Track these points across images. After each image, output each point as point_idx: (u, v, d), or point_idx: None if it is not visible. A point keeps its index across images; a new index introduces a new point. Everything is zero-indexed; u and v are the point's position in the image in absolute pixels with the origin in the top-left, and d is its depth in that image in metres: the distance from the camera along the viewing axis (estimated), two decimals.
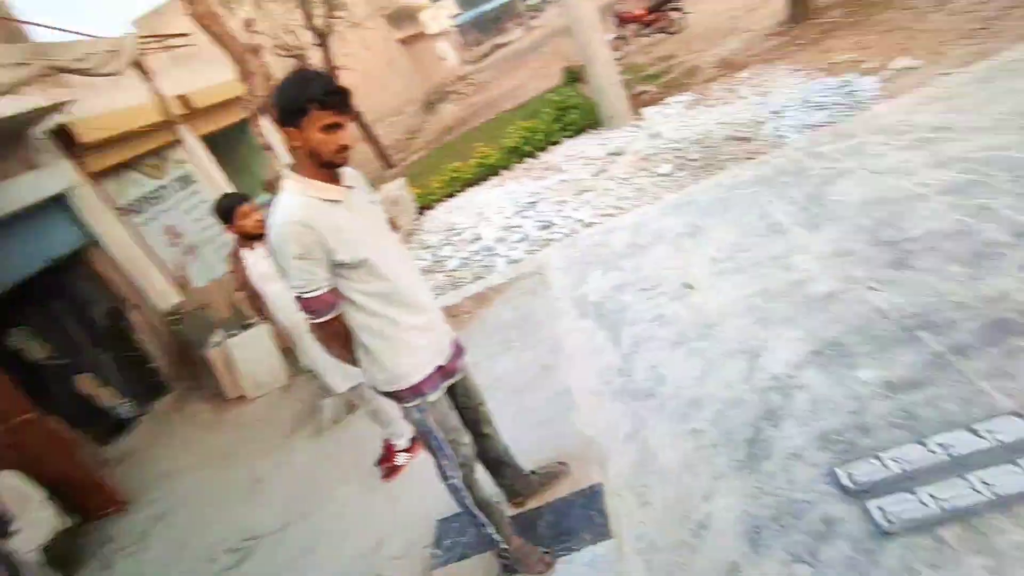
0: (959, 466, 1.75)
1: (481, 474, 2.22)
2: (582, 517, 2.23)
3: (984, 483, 1.68)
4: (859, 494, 1.83)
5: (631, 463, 2.36)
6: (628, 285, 3.56)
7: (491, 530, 2.08)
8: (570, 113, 6.96)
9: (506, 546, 2.09)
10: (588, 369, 3.02)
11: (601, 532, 2.14)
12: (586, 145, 6.27)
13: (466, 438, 2.06)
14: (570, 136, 6.75)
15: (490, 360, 3.52)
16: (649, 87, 7.24)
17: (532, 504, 2.40)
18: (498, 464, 2.36)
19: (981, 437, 1.79)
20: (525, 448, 2.53)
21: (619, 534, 2.11)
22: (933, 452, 1.82)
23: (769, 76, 5.67)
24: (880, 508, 1.75)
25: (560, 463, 2.50)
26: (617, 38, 10.24)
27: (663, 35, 10.00)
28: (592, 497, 2.29)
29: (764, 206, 3.60)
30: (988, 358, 2.04)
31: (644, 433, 2.47)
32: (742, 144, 4.57)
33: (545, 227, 4.94)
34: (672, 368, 2.74)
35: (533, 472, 2.45)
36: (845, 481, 1.87)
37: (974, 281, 2.36)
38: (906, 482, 1.78)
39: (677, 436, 2.38)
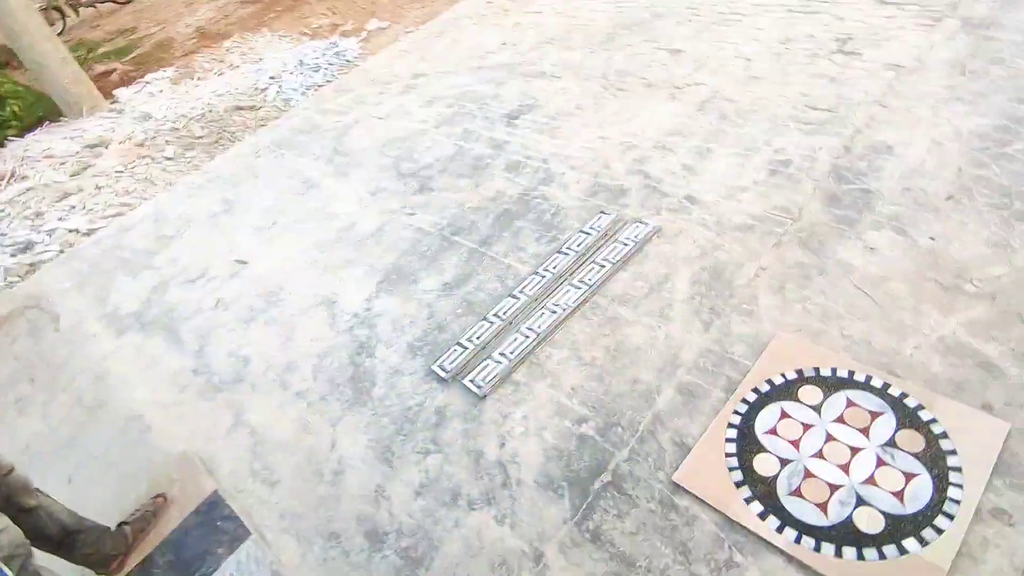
0: (512, 325, 2.18)
1: (45, 559, 1.65)
2: (208, 533, 1.91)
3: (530, 329, 2.13)
4: (454, 378, 2.09)
5: (244, 453, 2.13)
6: (170, 281, 3.09)
7: None
8: (6, 106, 5.42)
9: None
10: (153, 384, 2.53)
11: (237, 536, 1.88)
12: (49, 142, 5.03)
13: None
14: (17, 135, 5.28)
15: (6, 430, 2.59)
16: (114, 65, 6.23)
17: (137, 558, 1.92)
18: (66, 536, 1.79)
19: (518, 298, 2.26)
20: (105, 502, 2.00)
21: (258, 526, 1.90)
22: (492, 323, 2.21)
23: (256, 44, 5.61)
24: (472, 381, 2.04)
25: (155, 496, 2.06)
26: (49, 8, 8.36)
27: (112, 4, 8.68)
28: (211, 508, 1.98)
29: (291, 166, 3.60)
30: (504, 242, 2.57)
31: (247, 418, 2.24)
32: (250, 112, 4.43)
33: (22, 250, 3.83)
34: (253, 345, 2.54)
35: (123, 523, 1.96)
36: (441, 373, 2.11)
37: (477, 188, 2.91)
38: (483, 352, 2.12)
39: (283, 406, 2.24)
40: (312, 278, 2.75)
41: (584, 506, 1.65)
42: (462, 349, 2.15)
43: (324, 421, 2.14)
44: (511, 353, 2.08)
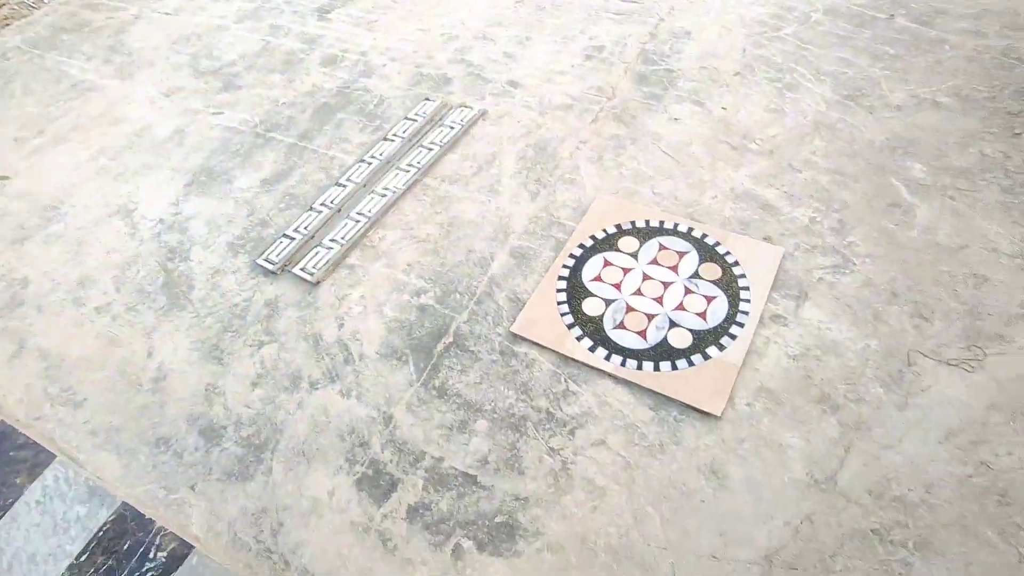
0: (341, 212, 2.08)
1: None
2: None
3: (359, 214, 2.05)
4: (283, 269, 1.97)
5: (35, 380, 1.84)
6: None
7: None
8: None
9: None
10: None
11: (38, 462, 1.64)
12: None
13: None
14: None
15: None
16: None
17: None
18: None
19: (345, 186, 2.16)
20: None
21: (64, 449, 1.67)
22: (320, 212, 2.09)
23: None
24: (302, 269, 1.94)
25: None
26: None
27: None
28: None
29: (56, 70, 3.03)
30: (326, 135, 2.41)
31: (35, 343, 1.93)
32: None
33: None
34: (30, 266, 2.17)
35: None
36: (268, 266, 1.97)
37: (292, 83, 2.68)
38: (312, 241, 2.01)
39: (80, 323, 1.96)
40: (102, 187, 2.38)
41: (429, 368, 1.67)
42: (289, 240, 2.02)
43: (136, 332, 1.91)
44: (342, 238, 1.99)
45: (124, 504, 1.54)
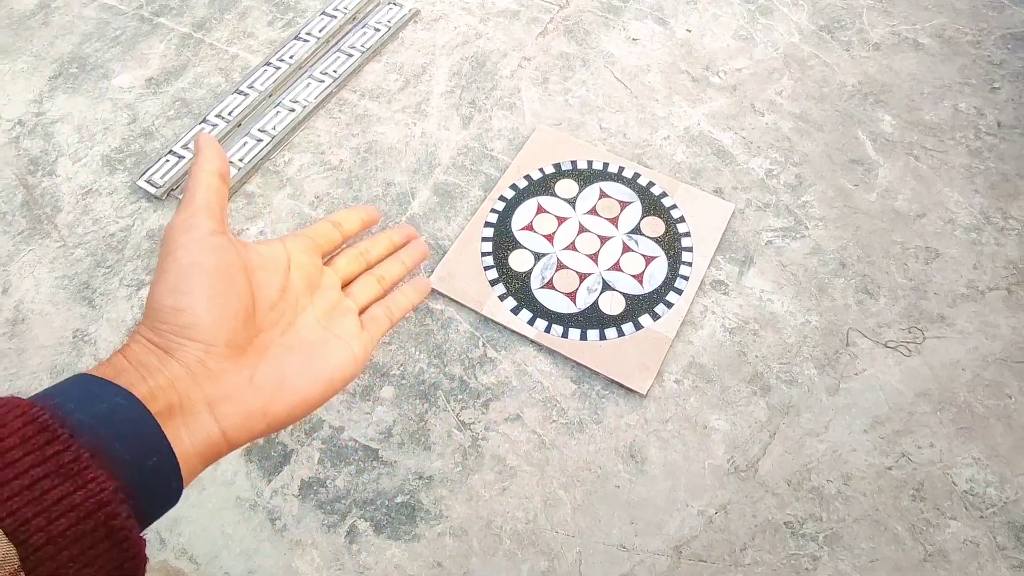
0: (238, 127, 1.78)
1: None
2: None
3: (262, 131, 1.76)
4: (169, 194, 1.69)
5: None
6: None
7: None
8: None
9: None
10: None
11: None
12: None
13: None
14: None
15: None
16: None
17: None
18: None
19: (246, 94, 1.84)
20: None
21: None
22: (215, 125, 1.78)
23: None
24: None
25: None
26: None
27: None
28: None
29: None
30: (227, 26, 2.03)
31: None
32: None
33: None
34: None
35: None
36: (150, 189, 1.69)
37: None
38: None
39: None
40: None
41: None
42: (177, 159, 1.73)
43: None
44: (240, 160, 1.71)
45: None
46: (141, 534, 0.29)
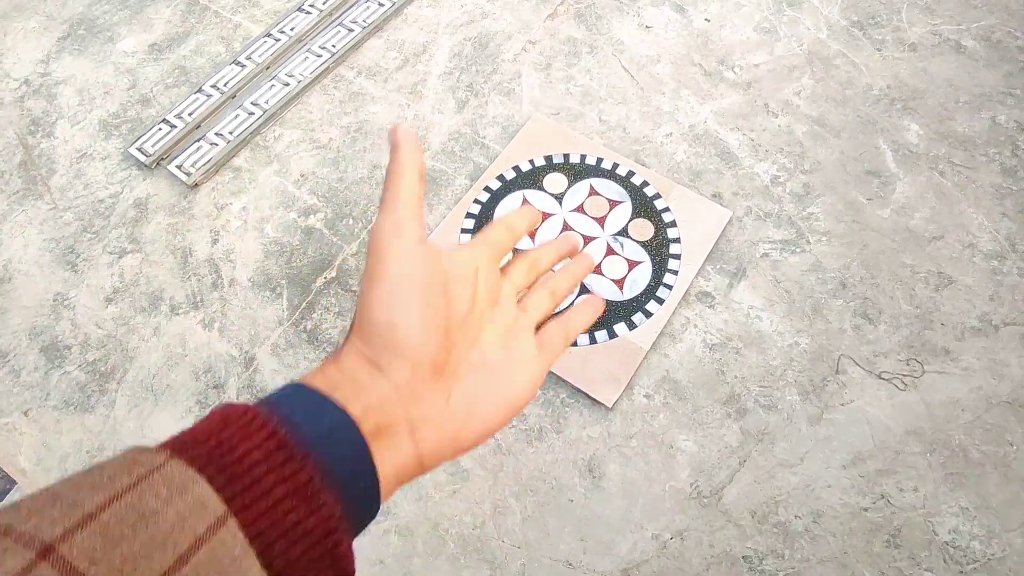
0: (233, 99, 1.76)
1: None
2: None
3: (255, 104, 1.73)
4: (159, 163, 1.68)
5: None
6: None
7: None
8: None
9: None
10: None
11: None
12: None
13: None
14: None
15: None
16: None
17: None
18: None
19: (243, 65, 1.81)
20: None
21: None
22: (209, 95, 1.76)
23: None
24: (179, 167, 1.66)
25: None
26: None
27: None
28: None
29: None
30: None
31: None
32: None
33: None
34: None
35: None
36: (141, 158, 1.68)
37: None
38: (195, 132, 1.71)
39: None
40: None
41: (303, 305, 1.47)
42: (169, 128, 1.72)
43: None
44: (230, 133, 1.69)
45: None
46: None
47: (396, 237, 0.33)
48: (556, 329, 0.41)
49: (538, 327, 0.41)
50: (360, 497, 0.29)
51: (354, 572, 0.28)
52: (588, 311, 0.44)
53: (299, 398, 0.29)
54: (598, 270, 1.44)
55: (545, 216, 1.51)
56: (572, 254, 0.47)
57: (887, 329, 1.35)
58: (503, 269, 0.42)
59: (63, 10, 2.00)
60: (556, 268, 0.46)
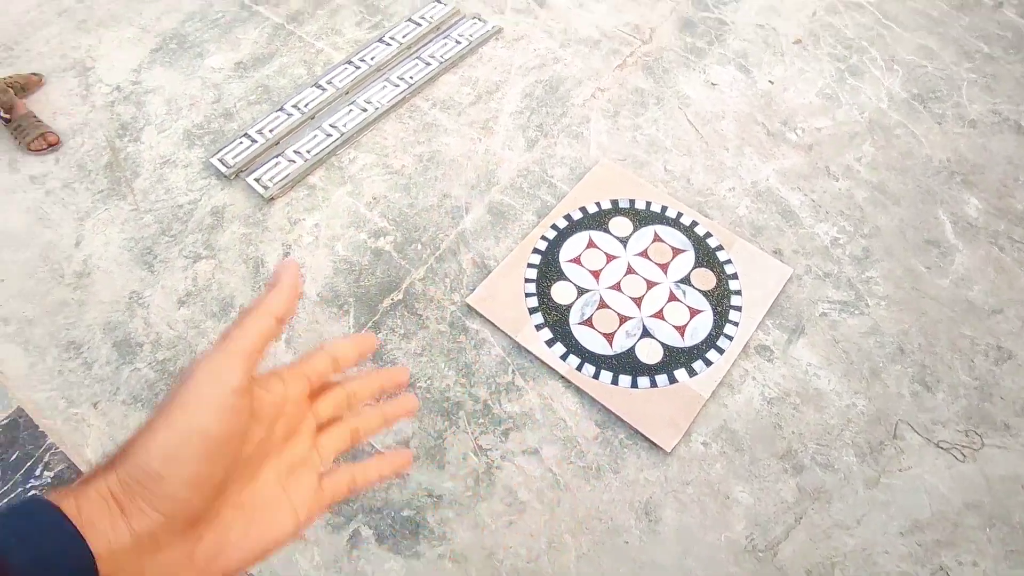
0: (312, 120, 1.83)
1: None
2: None
3: (333, 127, 1.80)
4: (238, 175, 1.75)
5: None
6: None
7: None
8: None
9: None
10: None
11: None
12: None
13: None
14: None
15: None
16: None
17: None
18: None
19: (324, 89, 1.89)
20: None
21: None
22: (290, 115, 1.84)
23: None
24: (257, 180, 1.72)
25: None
26: None
27: None
28: None
29: None
30: (318, 20, 2.10)
31: None
32: None
33: None
34: None
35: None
36: (222, 168, 1.75)
37: None
38: (274, 148, 1.78)
39: (11, 190, 1.77)
40: (62, 33, 2.11)
41: (369, 324, 1.51)
42: (250, 142, 1.79)
43: (68, 214, 1.72)
44: (308, 152, 1.76)
45: (20, 410, 1.43)
46: None
47: (213, 384, 0.31)
48: (344, 475, 0.39)
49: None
50: None
51: None
52: (387, 467, 0.42)
53: (29, 521, 0.27)
54: (660, 315, 1.47)
55: (609, 258, 1.55)
56: (397, 390, 0.44)
57: (945, 398, 1.36)
58: (312, 396, 0.39)
59: (157, 24, 2.11)
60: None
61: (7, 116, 1.82)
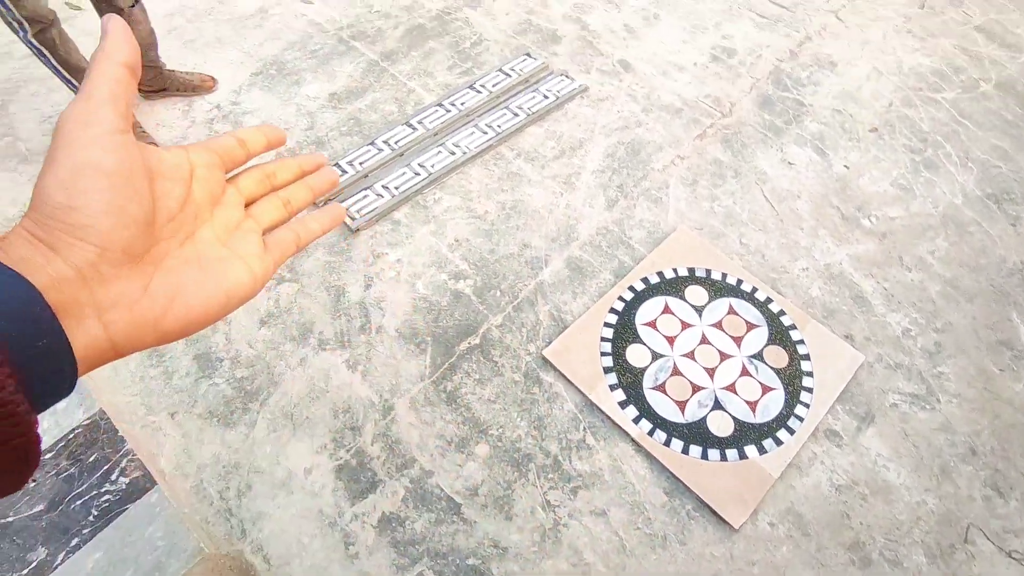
0: (403, 157, 1.90)
1: None
2: None
3: (421, 166, 1.87)
4: (326, 202, 1.81)
5: None
6: None
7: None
8: None
9: None
10: None
11: None
12: None
13: None
14: None
15: None
16: None
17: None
18: None
19: (415, 128, 1.96)
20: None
21: None
22: (381, 150, 1.91)
23: None
24: (345, 210, 1.78)
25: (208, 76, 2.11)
26: None
27: None
28: None
29: None
30: (411, 61, 2.20)
31: None
32: None
33: None
34: None
35: (173, 71, 2.07)
36: None
37: None
38: (363, 181, 1.85)
39: None
40: (169, 50, 2.21)
41: (445, 366, 1.54)
42: (340, 172, 1.86)
43: None
44: (396, 188, 1.82)
45: (101, 411, 1.47)
46: (35, 416, 0.27)
47: (86, 126, 0.31)
48: (286, 233, 0.42)
49: (269, 232, 0.42)
50: (45, 355, 0.28)
51: (29, 421, 0.26)
52: (324, 217, 0.44)
53: None
54: (732, 388, 1.49)
55: (685, 326, 1.58)
56: (316, 170, 0.46)
57: (1019, 507, 1.36)
58: (233, 178, 0.42)
59: (260, 49, 2.21)
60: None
61: None
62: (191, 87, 2.06)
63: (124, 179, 0.31)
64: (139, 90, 2.03)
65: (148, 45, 1.92)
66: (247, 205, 0.42)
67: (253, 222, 0.40)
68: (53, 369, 0.28)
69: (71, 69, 1.78)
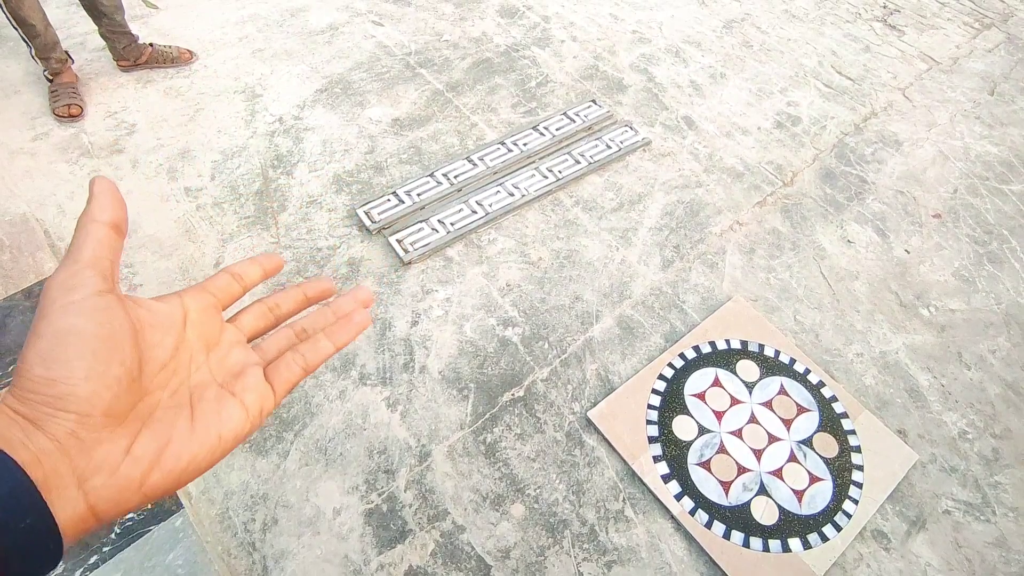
0: (461, 193, 1.89)
1: None
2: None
3: (479, 204, 1.85)
4: (380, 231, 1.80)
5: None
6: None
7: (31, 50, 1.99)
8: None
9: (48, 75, 2.06)
10: (1, 123, 2.01)
11: None
12: None
13: None
14: None
15: None
16: None
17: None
18: (95, 10, 2.01)
19: (475, 164, 1.95)
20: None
21: None
22: (439, 183, 1.90)
23: None
24: (399, 241, 1.77)
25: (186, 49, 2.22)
26: None
27: None
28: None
29: None
30: (476, 94, 2.20)
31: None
32: None
33: None
34: (143, 111, 2.06)
35: (151, 44, 2.18)
36: (365, 221, 1.80)
37: (463, 21, 2.45)
38: (419, 212, 1.83)
39: (166, 198, 1.85)
40: (238, 57, 2.24)
41: (487, 415, 1.50)
42: (397, 201, 1.85)
43: (213, 232, 1.79)
44: (451, 224, 1.81)
45: None
46: None
47: (68, 292, 0.32)
48: (292, 358, 0.40)
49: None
50: (27, 535, 0.27)
51: None
52: (343, 334, 0.41)
53: None
54: (779, 473, 1.44)
55: (734, 401, 1.54)
56: (324, 297, 0.43)
57: None
58: (234, 317, 0.41)
59: (327, 66, 2.22)
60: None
61: (51, 77, 2.04)
62: (169, 59, 2.16)
63: (105, 341, 0.32)
64: (118, 65, 2.15)
65: (114, 8, 2.00)
66: (250, 340, 0.41)
67: (255, 356, 0.40)
68: (36, 546, 0.28)
69: (20, 21, 1.88)
